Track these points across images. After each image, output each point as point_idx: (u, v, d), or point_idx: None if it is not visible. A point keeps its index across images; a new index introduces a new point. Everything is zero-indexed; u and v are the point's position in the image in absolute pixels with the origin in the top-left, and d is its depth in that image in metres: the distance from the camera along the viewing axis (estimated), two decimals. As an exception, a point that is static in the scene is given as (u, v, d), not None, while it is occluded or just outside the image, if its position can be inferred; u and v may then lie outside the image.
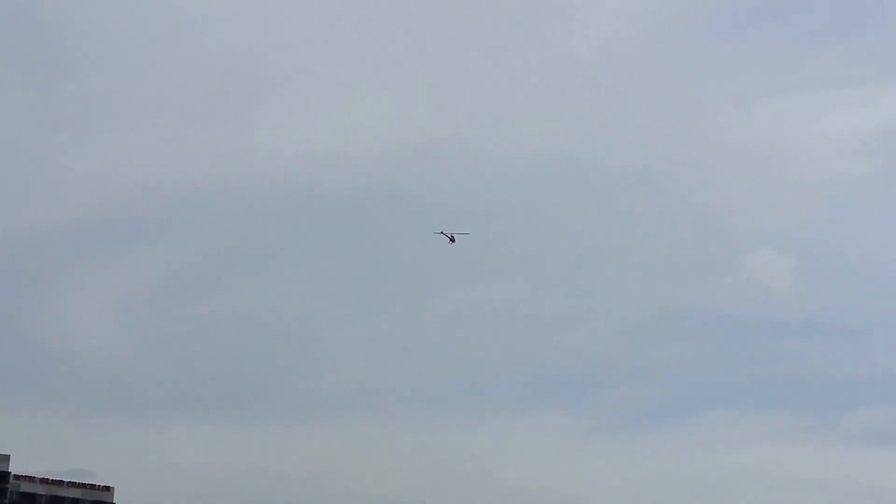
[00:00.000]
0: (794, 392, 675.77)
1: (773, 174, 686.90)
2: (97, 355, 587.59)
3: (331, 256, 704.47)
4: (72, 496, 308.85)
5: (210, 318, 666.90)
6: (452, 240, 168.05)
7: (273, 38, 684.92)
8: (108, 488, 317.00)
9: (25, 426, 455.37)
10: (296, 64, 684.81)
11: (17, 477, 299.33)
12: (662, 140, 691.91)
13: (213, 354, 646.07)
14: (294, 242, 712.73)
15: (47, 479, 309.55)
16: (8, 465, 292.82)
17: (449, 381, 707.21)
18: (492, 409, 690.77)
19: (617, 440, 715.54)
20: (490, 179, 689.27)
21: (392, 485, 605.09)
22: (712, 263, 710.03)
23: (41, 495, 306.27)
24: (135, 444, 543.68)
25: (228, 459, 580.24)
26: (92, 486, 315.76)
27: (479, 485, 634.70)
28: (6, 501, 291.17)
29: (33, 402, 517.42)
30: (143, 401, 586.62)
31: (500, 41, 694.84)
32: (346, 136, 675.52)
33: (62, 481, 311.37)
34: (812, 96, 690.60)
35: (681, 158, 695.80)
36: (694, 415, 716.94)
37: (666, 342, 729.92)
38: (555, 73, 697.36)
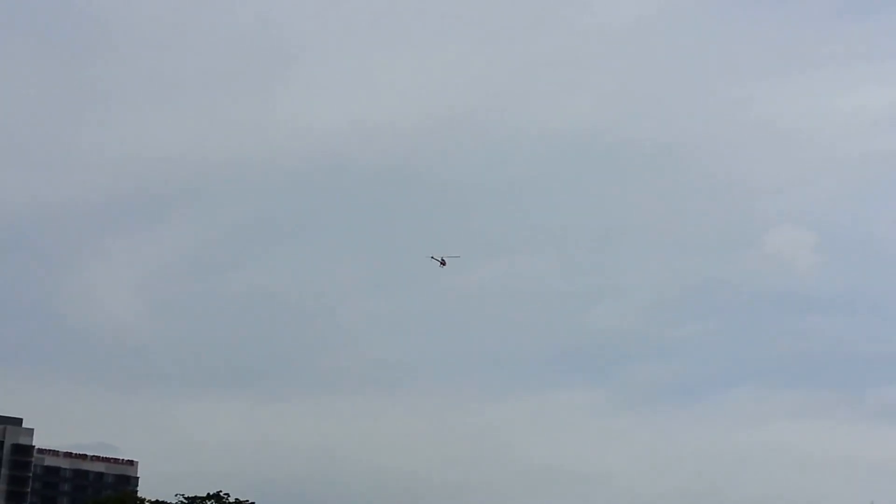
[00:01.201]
0: (817, 368, 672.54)
1: (798, 150, 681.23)
2: (121, 330, 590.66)
3: (353, 231, 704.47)
4: (95, 470, 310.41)
5: (232, 294, 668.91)
6: (443, 263, 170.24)
7: (295, 10, 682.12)
8: (131, 462, 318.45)
9: (49, 401, 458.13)
10: (318, 36, 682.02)
11: (41, 451, 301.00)
12: (687, 115, 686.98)
13: (234, 329, 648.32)
14: (316, 217, 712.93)
15: (71, 453, 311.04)
16: (32, 439, 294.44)
17: (471, 356, 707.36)
18: (514, 385, 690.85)
19: (641, 416, 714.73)
20: (514, 154, 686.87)
21: (413, 461, 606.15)
22: (735, 239, 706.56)
23: (65, 469, 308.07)
24: (158, 419, 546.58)
25: (250, 434, 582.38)
26: (116, 461, 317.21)
27: (501, 461, 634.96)
28: (30, 475, 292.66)
29: (57, 377, 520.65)
30: (166, 375, 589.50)
31: (525, 14, 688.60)
32: (369, 109, 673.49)
33: (86, 455, 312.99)
34: (838, 71, 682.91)
35: (705, 134, 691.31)
36: (718, 391, 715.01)
37: (689, 318, 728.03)
38: (580, 48, 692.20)
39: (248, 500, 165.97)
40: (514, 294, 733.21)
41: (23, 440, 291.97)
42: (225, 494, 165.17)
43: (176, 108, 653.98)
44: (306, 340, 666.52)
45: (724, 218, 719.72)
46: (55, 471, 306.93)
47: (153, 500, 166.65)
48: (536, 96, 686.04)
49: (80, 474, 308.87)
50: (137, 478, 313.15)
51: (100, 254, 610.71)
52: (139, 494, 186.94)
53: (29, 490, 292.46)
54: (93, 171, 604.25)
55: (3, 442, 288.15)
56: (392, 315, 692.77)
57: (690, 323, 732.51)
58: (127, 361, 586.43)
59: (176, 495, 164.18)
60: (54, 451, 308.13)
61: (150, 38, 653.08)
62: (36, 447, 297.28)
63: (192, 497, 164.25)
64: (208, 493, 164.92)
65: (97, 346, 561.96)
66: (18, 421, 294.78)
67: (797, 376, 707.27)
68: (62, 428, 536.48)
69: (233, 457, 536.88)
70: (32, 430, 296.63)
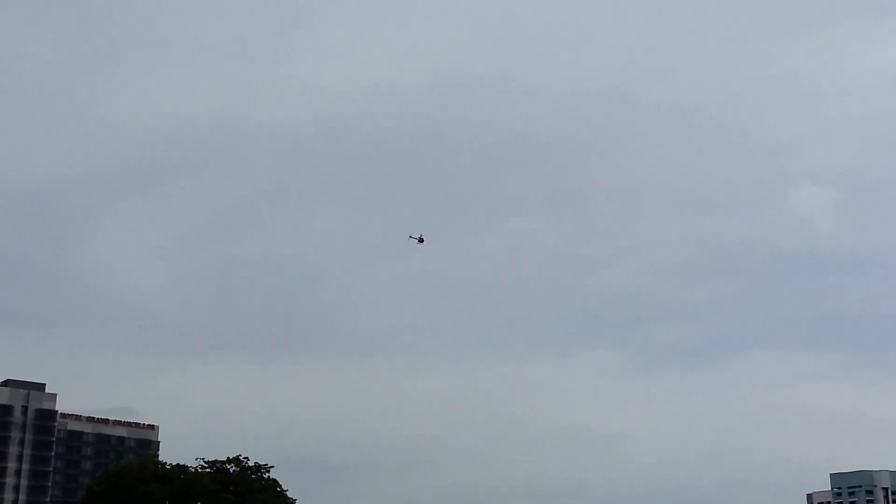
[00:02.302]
0: (838, 329, 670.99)
1: (819, 107, 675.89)
2: (140, 296, 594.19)
3: (370, 194, 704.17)
4: (117, 434, 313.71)
5: (250, 258, 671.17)
6: (421, 240, 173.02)
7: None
8: (152, 426, 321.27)
9: (71, 366, 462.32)
10: (329, 1, 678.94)
11: (63, 416, 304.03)
12: (706, 74, 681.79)
13: (253, 294, 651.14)
14: (332, 180, 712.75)
15: (93, 417, 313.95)
16: (55, 403, 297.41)
17: (489, 320, 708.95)
18: (534, 348, 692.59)
19: (661, 378, 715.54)
20: (530, 116, 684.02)
21: (432, 424, 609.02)
22: (756, 198, 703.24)
23: (87, 433, 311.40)
24: (178, 383, 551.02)
25: (269, 398, 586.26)
26: (137, 425, 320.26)
27: (520, 424, 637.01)
28: (53, 439, 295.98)
29: (78, 343, 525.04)
30: (185, 340, 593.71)
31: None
32: (385, 71, 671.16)
33: (108, 420, 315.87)
34: (862, 27, 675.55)
35: (725, 92, 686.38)
36: (737, 352, 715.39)
37: (709, 279, 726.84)
38: (596, 8, 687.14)
39: (266, 464, 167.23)
40: (532, 256, 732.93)
41: (46, 405, 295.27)
42: (244, 458, 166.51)
43: (188, 75, 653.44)
44: (324, 305, 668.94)
45: (745, 177, 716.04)
46: (78, 435, 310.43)
47: (174, 464, 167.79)
48: (551, 57, 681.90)
49: (103, 439, 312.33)
50: (158, 442, 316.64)
51: (118, 221, 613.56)
52: (160, 458, 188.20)
53: (52, 454, 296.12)
54: (110, 140, 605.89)
55: (26, 407, 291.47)
56: (408, 279, 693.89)
57: (710, 284, 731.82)
58: (147, 327, 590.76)
59: (196, 459, 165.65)
60: (77, 415, 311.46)
61: (165, 5, 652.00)
62: (59, 412, 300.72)
63: (212, 461, 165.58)
64: (228, 457, 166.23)
65: (118, 312, 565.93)
66: (41, 386, 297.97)
67: (817, 337, 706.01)
68: (84, 393, 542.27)
69: (251, 421, 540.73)
70: (55, 395, 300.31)
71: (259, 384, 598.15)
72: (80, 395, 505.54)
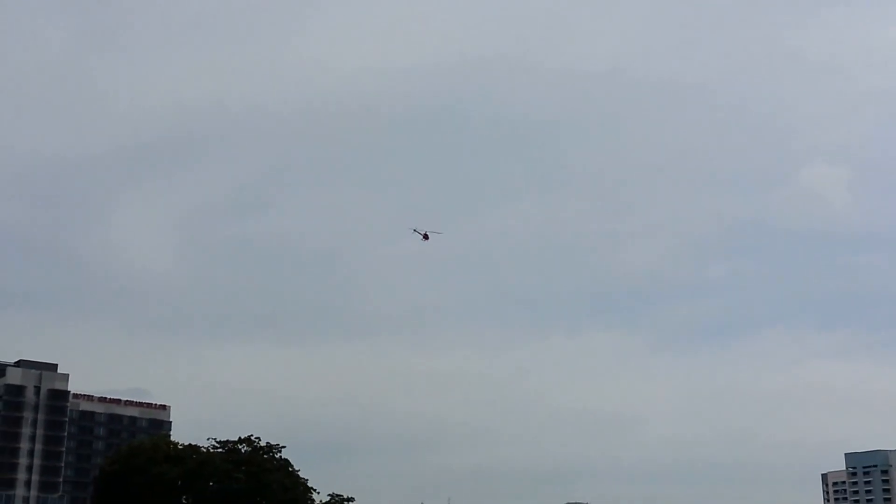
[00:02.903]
0: (852, 307, 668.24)
1: (830, 84, 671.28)
2: (151, 276, 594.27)
3: (383, 173, 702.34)
4: (129, 415, 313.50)
5: (261, 238, 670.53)
6: (426, 237, 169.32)
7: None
8: (164, 407, 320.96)
9: (83, 346, 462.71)
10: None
11: (76, 396, 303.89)
12: (718, 51, 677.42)
13: (264, 274, 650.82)
14: (342, 161, 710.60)
15: (105, 398, 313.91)
16: (67, 384, 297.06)
17: (501, 299, 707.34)
18: (545, 328, 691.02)
19: (675, 358, 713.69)
20: (544, 95, 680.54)
21: (443, 405, 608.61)
22: (768, 177, 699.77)
23: (100, 413, 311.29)
24: (189, 364, 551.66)
25: (280, 378, 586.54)
26: (149, 405, 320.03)
27: (531, 404, 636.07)
28: (66, 419, 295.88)
29: (90, 323, 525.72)
30: (196, 320, 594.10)
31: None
32: (392, 50, 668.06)
33: (120, 400, 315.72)
34: (873, 5, 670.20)
35: (736, 70, 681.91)
36: (752, 332, 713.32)
37: (723, 258, 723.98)
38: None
39: (278, 444, 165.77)
40: (545, 235, 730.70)
41: (58, 385, 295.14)
42: (256, 438, 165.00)
43: (197, 57, 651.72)
44: (334, 285, 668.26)
45: (757, 156, 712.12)
46: (90, 415, 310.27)
47: (186, 444, 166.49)
48: (565, 36, 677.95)
49: (115, 419, 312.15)
50: (170, 422, 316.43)
51: (129, 202, 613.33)
52: (172, 438, 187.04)
53: (65, 434, 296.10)
54: (122, 121, 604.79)
55: (39, 387, 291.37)
56: (421, 258, 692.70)
57: (724, 263, 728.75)
58: (159, 307, 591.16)
59: (208, 439, 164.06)
60: (89, 395, 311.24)
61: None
62: (71, 392, 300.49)
63: (223, 441, 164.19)
64: (240, 437, 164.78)
65: (129, 292, 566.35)
66: (54, 367, 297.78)
67: (832, 316, 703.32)
68: (96, 373, 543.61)
69: (263, 401, 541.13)
70: (67, 375, 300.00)
71: (270, 364, 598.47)
72: (92, 376, 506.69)
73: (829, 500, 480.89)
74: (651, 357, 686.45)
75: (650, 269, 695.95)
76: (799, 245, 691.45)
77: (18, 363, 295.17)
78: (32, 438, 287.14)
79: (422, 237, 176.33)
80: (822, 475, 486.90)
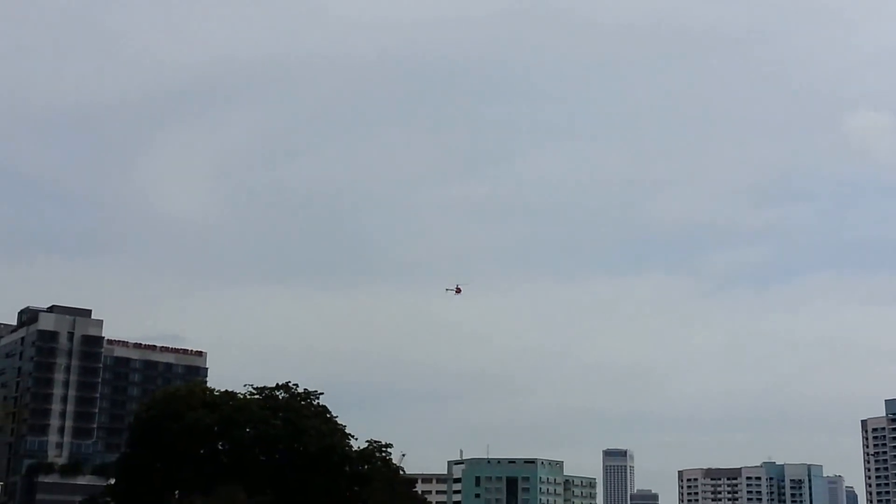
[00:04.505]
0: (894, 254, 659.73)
1: (875, 32, 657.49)
2: (187, 222, 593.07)
3: (422, 120, 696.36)
4: (165, 361, 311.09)
5: (297, 185, 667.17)
6: (458, 291, 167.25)
7: None
8: (200, 353, 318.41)
9: (118, 292, 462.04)
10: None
11: (110, 342, 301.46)
12: (763, 2, 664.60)
13: (300, 220, 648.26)
14: (380, 108, 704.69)
15: (140, 343, 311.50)
16: (101, 330, 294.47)
17: (541, 245, 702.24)
18: (587, 275, 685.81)
19: (717, 303, 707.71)
20: (586, 43, 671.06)
21: (484, 354, 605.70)
22: (812, 124, 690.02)
23: (134, 360, 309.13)
24: (225, 310, 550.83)
25: (316, 324, 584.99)
26: (184, 351, 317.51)
27: (572, 353, 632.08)
28: (100, 366, 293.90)
29: (125, 268, 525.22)
30: (232, 266, 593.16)
31: None
32: (433, 3, 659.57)
33: (155, 346, 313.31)
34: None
35: (778, 18, 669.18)
36: (795, 278, 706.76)
37: (766, 205, 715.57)
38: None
39: (316, 391, 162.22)
40: (587, 181, 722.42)
41: (92, 331, 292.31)
42: (294, 385, 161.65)
43: (236, 4, 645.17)
44: (371, 231, 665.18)
45: (801, 103, 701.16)
46: (125, 361, 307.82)
47: (222, 390, 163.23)
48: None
49: (150, 365, 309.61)
50: (206, 368, 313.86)
51: (165, 148, 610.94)
52: (208, 385, 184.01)
53: (99, 380, 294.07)
54: (158, 67, 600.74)
55: (73, 333, 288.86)
56: (461, 204, 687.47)
57: (767, 210, 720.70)
58: (194, 253, 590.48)
59: (245, 385, 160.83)
60: (123, 342, 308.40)
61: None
62: (105, 338, 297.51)
63: (260, 387, 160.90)
64: (277, 384, 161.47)
65: (164, 238, 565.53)
66: (88, 312, 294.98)
67: (876, 262, 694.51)
68: (131, 319, 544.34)
69: (300, 347, 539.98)
70: (102, 321, 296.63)
71: (306, 310, 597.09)
72: (127, 322, 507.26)
73: (868, 447, 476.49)
74: (693, 302, 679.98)
75: (696, 216, 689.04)
76: (843, 191, 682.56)
77: (52, 309, 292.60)
78: (66, 385, 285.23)
79: (454, 292, 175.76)
80: (862, 421, 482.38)
